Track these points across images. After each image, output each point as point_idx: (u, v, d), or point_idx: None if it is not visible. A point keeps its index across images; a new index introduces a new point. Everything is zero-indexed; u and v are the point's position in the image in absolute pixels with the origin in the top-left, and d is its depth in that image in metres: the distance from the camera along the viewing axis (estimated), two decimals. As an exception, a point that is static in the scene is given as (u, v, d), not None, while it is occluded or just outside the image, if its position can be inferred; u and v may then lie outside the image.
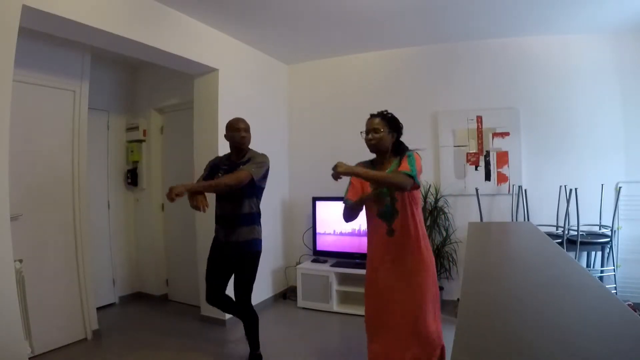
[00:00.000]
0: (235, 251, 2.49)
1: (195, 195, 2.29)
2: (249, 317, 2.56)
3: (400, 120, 2.06)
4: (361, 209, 2.06)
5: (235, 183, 2.31)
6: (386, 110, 2.08)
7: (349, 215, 2.06)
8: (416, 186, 1.93)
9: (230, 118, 2.59)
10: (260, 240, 2.57)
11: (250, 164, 2.43)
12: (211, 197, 2.49)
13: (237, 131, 2.48)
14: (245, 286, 2.52)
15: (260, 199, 2.57)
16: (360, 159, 2.18)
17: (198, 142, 3.45)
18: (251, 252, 2.51)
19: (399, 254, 2.00)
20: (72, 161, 3.04)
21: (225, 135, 2.56)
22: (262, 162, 2.48)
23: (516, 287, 1.03)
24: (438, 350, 1.97)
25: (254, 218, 2.53)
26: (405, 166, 1.91)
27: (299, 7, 2.97)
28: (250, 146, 2.59)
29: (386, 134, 2.01)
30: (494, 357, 0.63)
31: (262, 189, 2.56)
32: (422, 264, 1.99)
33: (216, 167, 2.58)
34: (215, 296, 2.56)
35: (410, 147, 2.10)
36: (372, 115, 2.07)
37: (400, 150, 2.06)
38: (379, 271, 2.05)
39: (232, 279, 2.59)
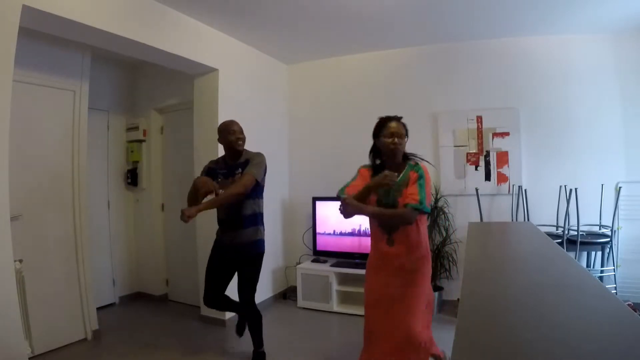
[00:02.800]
0: (240, 253, 2.48)
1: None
2: (253, 316, 2.57)
3: (400, 120, 2.06)
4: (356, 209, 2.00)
5: (243, 191, 2.32)
6: (398, 115, 2.05)
7: (345, 212, 2.01)
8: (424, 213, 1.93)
9: (230, 118, 2.59)
10: (264, 241, 2.57)
11: (251, 167, 2.41)
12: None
13: (233, 133, 2.46)
14: (250, 287, 2.53)
15: (262, 198, 2.57)
16: (361, 159, 2.17)
17: (198, 142, 3.45)
18: (256, 253, 2.52)
19: (398, 265, 1.98)
20: (72, 161, 3.04)
21: (219, 139, 2.54)
22: (261, 161, 2.47)
23: (516, 287, 1.03)
24: (429, 357, 1.96)
25: (258, 218, 2.53)
26: (413, 191, 1.89)
27: (299, 7, 2.96)
28: (249, 146, 2.59)
29: (405, 140, 2.00)
30: (494, 357, 0.63)
31: (263, 187, 2.55)
32: (420, 276, 1.99)
33: (213, 171, 2.55)
34: (215, 298, 2.56)
35: (417, 156, 2.06)
36: (391, 119, 2.01)
37: (406, 156, 2.04)
38: (377, 280, 2.04)
39: (232, 280, 2.59)
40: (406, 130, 2.01)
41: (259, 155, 2.51)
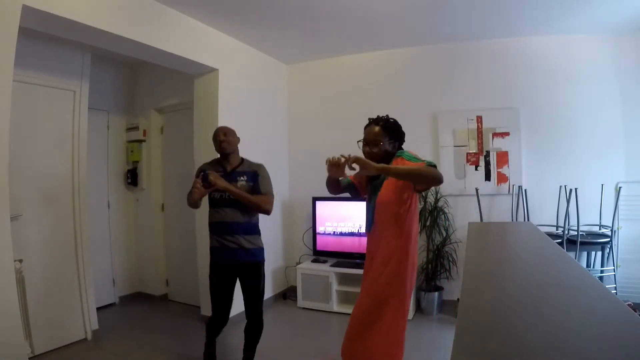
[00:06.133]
0: (251, 259, 2.38)
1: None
2: (259, 330, 2.46)
3: (400, 121, 1.89)
4: (337, 183, 1.98)
5: (265, 209, 2.34)
6: (387, 116, 1.87)
7: (329, 186, 2.00)
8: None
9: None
10: (263, 249, 2.50)
11: (266, 185, 2.39)
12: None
13: (217, 137, 2.41)
14: (259, 298, 2.42)
15: None
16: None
17: (198, 142, 3.44)
18: (261, 261, 2.45)
19: (370, 269, 1.85)
20: (72, 161, 3.04)
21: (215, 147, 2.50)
22: (268, 176, 2.45)
23: (516, 287, 1.03)
24: None
25: (257, 226, 2.48)
26: (410, 164, 1.68)
27: (299, 7, 2.96)
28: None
29: (386, 146, 1.81)
30: (494, 357, 0.63)
31: None
32: (391, 309, 1.76)
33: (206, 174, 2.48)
34: (224, 315, 2.43)
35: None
36: (371, 122, 1.86)
37: (391, 158, 1.84)
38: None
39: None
40: (390, 133, 1.83)
41: (265, 170, 2.47)
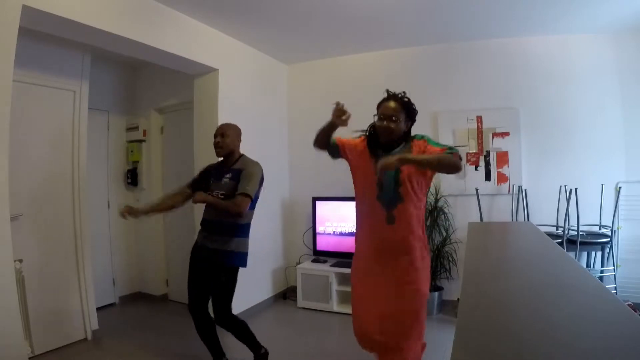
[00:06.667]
0: (214, 259, 2.30)
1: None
2: (234, 327, 2.40)
3: (400, 100, 1.86)
4: (330, 136, 1.97)
5: (235, 211, 2.20)
6: (403, 92, 1.84)
7: (319, 138, 2.00)
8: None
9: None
10: (243, 254, 2.37)
11: (244, 183, 2.24)
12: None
13: (214, 139, 2.38)
14: (220, 299, 2.34)
15: (253, 209, 2.39)
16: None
17: (198, 142, 3.45)
18: (220, 263, 2.31)
19: (395, 249, 1.79)
20: (72, 161, 3.04)
21: None
22: (253, 174, 2.29)
23: (516, 287, 1.03)
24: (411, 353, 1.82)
25: (241, 229, 2.35)
26: (432, 149, 1.71)
27: (299, 7, 2.97)
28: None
29: (402, 123, 1.79)
30: (494, 357, 0.63)
31: (257, 198, 2.37)
32: (418, 271, 1.79)
33: (207, 172, 2.47)
34: (196, 306, 2.36)
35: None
36: (388, 97, 1.82)
37: (407, 137, 1.84)
38: (369, 261, 1.85)
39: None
40: (409, 111, 1.81)
41: (253, 166, 2.33)
